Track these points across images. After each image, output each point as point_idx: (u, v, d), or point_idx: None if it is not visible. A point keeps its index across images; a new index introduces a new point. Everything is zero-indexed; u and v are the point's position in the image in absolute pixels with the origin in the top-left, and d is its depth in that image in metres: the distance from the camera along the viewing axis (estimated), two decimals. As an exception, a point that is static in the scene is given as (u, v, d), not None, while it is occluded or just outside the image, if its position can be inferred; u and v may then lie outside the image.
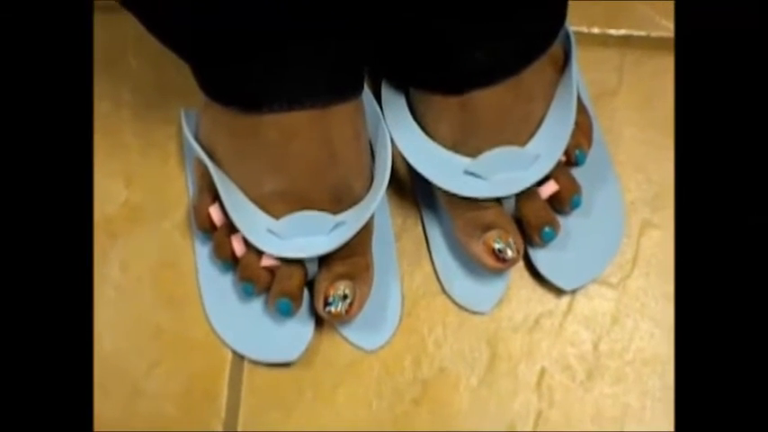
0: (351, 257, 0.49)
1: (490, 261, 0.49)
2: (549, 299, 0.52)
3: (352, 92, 0.48)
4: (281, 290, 0.48)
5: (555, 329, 0.51)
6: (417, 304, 0.52)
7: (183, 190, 0.54)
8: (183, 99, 0.53)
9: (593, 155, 0.52)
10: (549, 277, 0.51)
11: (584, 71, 0.56)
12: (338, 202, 0.48)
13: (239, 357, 0.51)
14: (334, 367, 0.51)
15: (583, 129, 0.51)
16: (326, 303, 0.48)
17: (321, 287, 0.48)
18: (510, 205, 0.50)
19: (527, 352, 0.51)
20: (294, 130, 0.46)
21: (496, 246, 0.48)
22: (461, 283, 0.52)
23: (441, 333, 0.51)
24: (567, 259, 0.51)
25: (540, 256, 0.51)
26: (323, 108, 0.46)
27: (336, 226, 0.48)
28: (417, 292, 0.52)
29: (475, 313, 0.52)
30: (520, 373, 0.50)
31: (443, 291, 0.52)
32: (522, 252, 0.49)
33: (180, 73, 0.50)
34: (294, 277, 0.49)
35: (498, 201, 0.50)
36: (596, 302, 0.52)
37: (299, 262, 0.49)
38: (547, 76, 0.50)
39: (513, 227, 0.49)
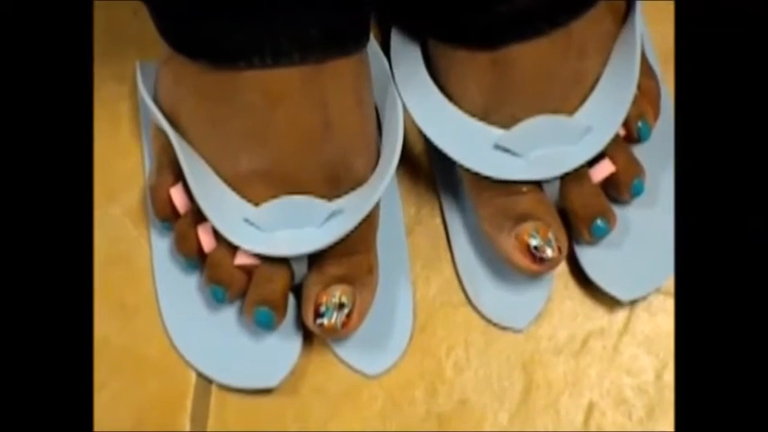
0: (349, 256, 0.47)
1: (523, 261, 0.46)
2: (600, 313, 0.50)
3: (355, 43, 0.46)
4: (260, 296, 0.47)
5: (608, 353, 0.49)
6: (433, 317, 0.50)
7: (137, 166, 0.53)
8: (138, 48, 0.53)
9: (659, 128, 0.50)
10: (602, 285, 0.49)
11: (651, 23, 0.54)
12: (334, 184, 0.47)
13: (206, 381, 0.49)
14: (326, 396, 0.49)
15: (647, 95, 0.49)
16: (318, 314, 0.46)
17: (311, 293, 0.47)
18: (552, 190, 0.48)
19: (572, 381, 0.49)
20: (280, 91, 0.45)
21: (532, 242, 0.46)
22: (490, 292, 0.50)
23: (462, 355, 0.50)
24: (624, 262, 0.49)
25: (589, 258, 0.49)
26: (317, 64, 0.45)
27: (332, 215, 0.46)
28: (434, 301, 0.50)
29: (506, 330, 0.50)
30: (562, 409, 0.49)
31: (467, 301, 0.50)
32: (565, 251, 0.47)
33: (136, 15, 0.52)
34: (277, 280, 0.47)
35: (537, 184, 0.48)
36: (661, 319, 0.50)
37: (283, 261, 0.47)
38: (603, 28, 0.48)
39: (555, 218, 0.47)
